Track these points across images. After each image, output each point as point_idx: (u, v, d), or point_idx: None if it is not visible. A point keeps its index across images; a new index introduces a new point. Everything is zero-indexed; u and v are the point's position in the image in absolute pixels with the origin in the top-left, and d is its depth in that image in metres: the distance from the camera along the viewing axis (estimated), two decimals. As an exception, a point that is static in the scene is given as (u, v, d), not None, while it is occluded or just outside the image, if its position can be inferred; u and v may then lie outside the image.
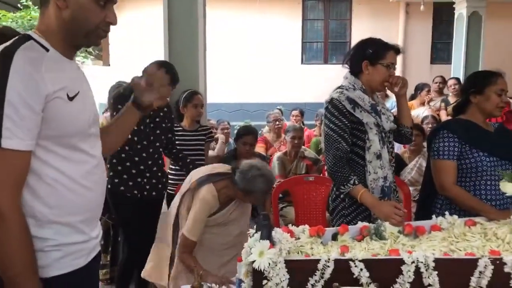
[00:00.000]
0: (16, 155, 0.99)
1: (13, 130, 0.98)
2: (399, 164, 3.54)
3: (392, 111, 2.24)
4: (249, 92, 8.96)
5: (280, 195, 3.36)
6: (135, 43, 8.02)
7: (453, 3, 6.78)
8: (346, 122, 1.91)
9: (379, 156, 1.93)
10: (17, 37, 1.07)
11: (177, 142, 2.91)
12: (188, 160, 2.91)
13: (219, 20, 8.58)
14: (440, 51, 9.53)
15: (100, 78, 5.62)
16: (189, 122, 3.11)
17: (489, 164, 1.96)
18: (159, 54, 3.34)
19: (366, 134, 1.93)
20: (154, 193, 2.63)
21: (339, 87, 2.02)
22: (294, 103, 6.82)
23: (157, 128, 2.62)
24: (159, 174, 2.64)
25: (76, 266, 1.14)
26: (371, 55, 1.95)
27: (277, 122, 4.82)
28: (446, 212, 1.73)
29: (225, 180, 2.23)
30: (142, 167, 2.56)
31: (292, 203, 3.16)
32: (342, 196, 1.96)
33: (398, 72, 7.24)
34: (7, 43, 1.04)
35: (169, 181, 2.95)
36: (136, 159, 2.55)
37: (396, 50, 1.98)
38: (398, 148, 4.15)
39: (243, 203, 2.33)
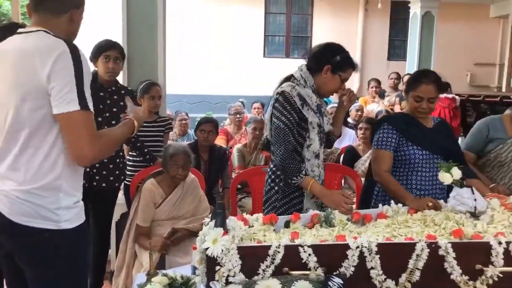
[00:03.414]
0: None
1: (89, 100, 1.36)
2: (353, 156, 3.69)
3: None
4: (211, 84, 8.92)
5: (239, 186, 3.42)
6: (91, 30, 7.77)
7: (409, 2, 7.05)
8: (296, 117, 1.97)
9: (317, 156, 2.02)
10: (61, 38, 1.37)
11: (136, 133, 2.89)
12: (146, 150, 2.90)
13: (181, 10, 8.47)
14: (397, 48, 9.89)
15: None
16: (147, 113, 3.08)
17: (421, 157, 2.09)
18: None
19: (308, 132, 2.00)
20: (104, 185, 2.59)
21: (289, 79, 2.07)
22: (256, 96, 6.87)
23: (114, 119, 2.60)
24: (111, 166, 2.60)
25: (83, 219, 1.44)
26: (336, 63, 1.99)
27: (238, 115, 4.86)
28: (392, 202, 1.84)
29: (164, 173, 2.62)
30: None
31: (250, 194, 3.22)
32: (276, 188, 2.05)
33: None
34: (66, 41, 1.34)
35: (127, 172, 2.92)
36: None
37: (355, 68, 2.06)
38: (354, 140, 4.30)
39: (188, 193, 2.63)
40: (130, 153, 3.04)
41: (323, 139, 2.09)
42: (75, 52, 1.32)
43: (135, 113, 1.66)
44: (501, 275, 1.35)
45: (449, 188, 1.90)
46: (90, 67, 1.41)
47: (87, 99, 1.33)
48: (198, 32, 8.88)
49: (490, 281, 1.36)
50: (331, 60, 1.99)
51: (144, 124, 3.04)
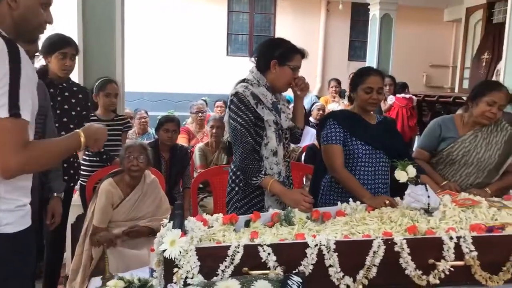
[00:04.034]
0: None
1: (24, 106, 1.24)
2: (315, 154, 3.74)
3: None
4: (173, 82, 8.79)
5: (201, 186, 3.38)
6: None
7: (368, 4, 7.24)
8: (251, 117, 1.97)
9: (275, 153, 2.02)
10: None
11: (92, 132, 2.79)
12: (102, 150, 2.80)
13: (143, 6, 8.28)
14: (357, 49, 10.12)
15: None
16: (103, 111, 2.99)
17: (364, 152, 2.15)
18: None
19: (265, 130, 2.01)
20: None
21: (243, 81, 2.07)
22: (219, 94, 6.83)
23: (65, 116, 2.50)
24: (65, 165, 2.51)
25: (28, 224, 1.36)
26: (280, 56, 2.01)
27: (200, 114, 4.80)
28: (350, 199, 1.88)
29: (122, 172, 2.54)
30: None
31: (212, 193, 3.19)
32: (236, 189, 2.05)
33: (318, 68, 7.59)
34: (7, 40, 1.22)
35: (82, 172, 2.82)
36: None
37: (302, 54, 2.06)
38: (315, 138, 4.36)
39: (148, 194, 2.55)
40: (86, 152, 2.93)
41: (282, 136, 2.09)
42: (14, 53, 1.22)
43: (86, 127, 1.48)
44: (452, 269, 1.41)
45: (392, 182, 1.96)
46: (33, 69, 1.31)
47: (20, 105, 1.21)
48: (160, 28, 8.71)
49: (442, 275, 1.41)
50: (274, 54, 2.02)
51: (101, 123, 2.95)
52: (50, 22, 1.41)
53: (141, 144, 2.60)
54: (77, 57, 2.62)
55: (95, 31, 3.10)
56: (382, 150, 2.16)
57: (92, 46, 3.11)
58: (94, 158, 2.88)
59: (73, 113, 2.55)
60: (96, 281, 1.65)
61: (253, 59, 2.09)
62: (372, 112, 2.28)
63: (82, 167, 2.83)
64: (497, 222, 1.63)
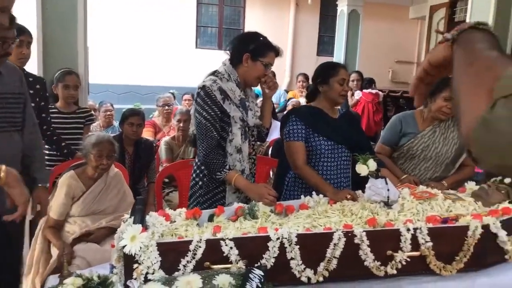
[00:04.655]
0: None
1: None
2: (282, 148, 3.75)
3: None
4: (140, 74, 8.60)
5: (166, 180, 3.34)
6: None
7: None
8: (218, 112, 1.96)
9: (239, 150, 2.02)
10: None
11: (53, 125, 2.70)
12: (63, 144, 2.71)
13: (107, -5, 8.05)
14: (326, 44, 10.21)
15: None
16: (63, 104, 2.89)
17: (327, 147, 2.18)
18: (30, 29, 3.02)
19: (230, 127, 1.99)
20: None
21: (213, 74, 2.04)
22: (188, 87, 6.75)
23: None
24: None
25: None
26: (253, 50, 2.00)
27: (167, 107, 4.73)
28: (313, 192, 1.90)
29: (84, 164, 2.47)
30: None
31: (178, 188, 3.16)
32: (200, 183, 2.04)
33: (287, 62, 7.64)
34: None
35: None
36: None
37: (277, 52, 2.06)
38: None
39: (111, 187, 2.49)
40: (46, 146, 2.83)
41: (247, 134, 2.08)
42: None
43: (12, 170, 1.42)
44: (408, 259, 1.45)
45: (354, 176, 2.01)
46: None
47: None
48: (128, 19, 8.49)
49: (399, 265, 1.45)
50: (248, 48, 2.00)
51: (62, 116, 2.86)
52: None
53: (109, 141, 2.51)
54: (34, 47, 2.52)
55: (56, 20, 2.99)
56: (344, 144, 2.20)
57: (52, 36, 3.00)
58: (54, 152, 2.79)
59: (33, 104, 2.46)
60: (53, 279, 1.60)
61: (227, 51, 2.07)
62: (339, 106, 2.32)
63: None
64: (451, 213, 1.70)
